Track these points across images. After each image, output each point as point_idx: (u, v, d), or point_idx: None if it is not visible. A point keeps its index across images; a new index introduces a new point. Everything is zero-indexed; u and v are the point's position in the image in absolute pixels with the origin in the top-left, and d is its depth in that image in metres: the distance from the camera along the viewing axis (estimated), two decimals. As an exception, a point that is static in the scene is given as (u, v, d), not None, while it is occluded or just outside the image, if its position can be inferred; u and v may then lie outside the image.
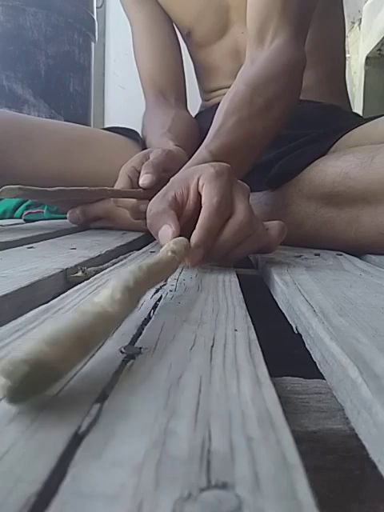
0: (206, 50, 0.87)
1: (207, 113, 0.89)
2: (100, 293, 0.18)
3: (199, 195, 0.41)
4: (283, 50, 0.62)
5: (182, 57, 0.90)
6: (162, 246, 0.36)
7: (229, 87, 0.84)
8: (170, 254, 0.30)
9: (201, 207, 0.40)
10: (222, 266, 0.42)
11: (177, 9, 0.86)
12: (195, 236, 0.38)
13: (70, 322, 0.15)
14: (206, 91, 0.93)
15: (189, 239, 0.37)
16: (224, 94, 0.86)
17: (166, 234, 0.38)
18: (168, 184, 0.45)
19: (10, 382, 0.12)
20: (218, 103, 0.85)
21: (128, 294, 0.18)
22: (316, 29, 0.69)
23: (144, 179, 0.58)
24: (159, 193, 0.44)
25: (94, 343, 0.16)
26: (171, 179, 0.46)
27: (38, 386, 0.13)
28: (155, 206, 0.42)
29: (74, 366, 0.14)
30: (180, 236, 0.37)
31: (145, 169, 0.60)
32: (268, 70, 0.61)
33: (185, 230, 0.39)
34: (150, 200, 0.60)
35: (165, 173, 0.61)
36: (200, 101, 0.97)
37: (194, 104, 0.96)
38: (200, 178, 0.41)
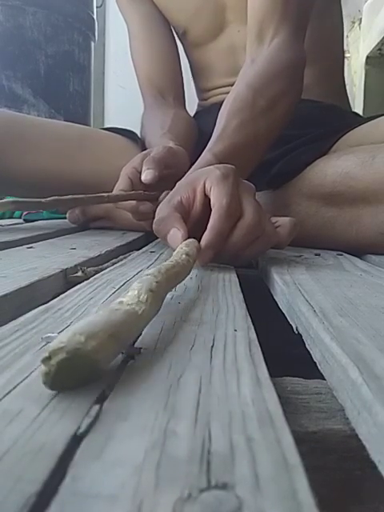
0: (202, 49, 0.87)
1: (205, 112, 0.89)
2: (126, 294, 0.19)
3: (206, 198, 0.41)
4: (283, 49, 0.62)
5: (179, 57, 0.90)
6: (173, 250, 0.36)
7: (225, 86, 0.85)
8: (184, 256, 0.30)
9: (208, 209, 0.40)
10: (224, 266, 0.42)
11: (173, 9, 0.86)
12: (206, 237, 0.38)
13: (102, 317, 0.15)
14: (202, 90, 0.93)
15: (198, 241, 0.37)
16: (221, 93, 0.86)
17: (176, 237, 0.38)
18: (174, 189, 0.45)
19: (48, 368, 0.13)
20: (216, 103, 0.85)
21: (152, 295, 0.19)
22: (313, 27, 0.69)
23: (146, 175, 0.58)
24: (166, 198, 0.44)
25: (127, 339, 0.16)
26: (177, 184, 0.46)
27: (76, 374, 0.13)
28: (161, 210, 0.42)
29: (109, 359, 0.15)
30: (189, 238, 0.37)
31: (146, 164, 0.59)
32: (269, 69, 0.61)
33: (193, 232, 0.39)
34: (149, 200, 0.60)
35: (166, 169, 0.61)
36: (198, 101, 0.97)
37: (193, 104, 0.96)
38: (206, 180, 0.41)
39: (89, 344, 0.13)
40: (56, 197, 0.60)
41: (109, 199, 0.61)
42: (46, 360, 0.13)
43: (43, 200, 0.59)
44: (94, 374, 0.14)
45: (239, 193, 0.41)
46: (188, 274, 0.31)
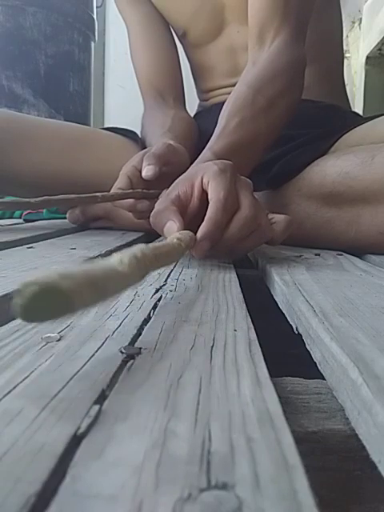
0: (202, 49, 0.87)
1: (205, 113, 0.89)
2: (109, 257, 0.19)
3: (204, 192, 0.42)
4: (284, 50, 0.62)
5: (178, 57, 0.90)
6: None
7: (225, 86, 0.85)
8: (175, 240, 0.31)
9: (205, 204, 0.41)
10: (224, 262, 0.43)
11: (172, 10, 0.86)
12: (203, 228, 0.38)
13: (80, 267, 0.15)
14: (202, 91, 0.93)
15: (195, 234, 0.38)
16: (221, 94, 0.86)
17: (172, 229, 0.39)
18: (172, 185, 0.46)
19: (21, 299, 0.13)
20: (216, 103, 0.85)
21: (135, 261, 0.19)
22: (313, 27, 0.69)
23: (147, 171, 0.58)
24: (164, 193, 0.44)
25: (104, 289, 0.16)
26: (176, 180, 0.46)
27: (49, 309, 0.13)
28: (159, 204, 0.43)
29: (84, 305, 0.14)
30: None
31: (147, 160, 0.59)
32: (269, 70, 0.61)
33: (190, 226, 0.39)
34: (147, 199, 0.60)
35: (166, 166, 0.61)
36: (198, 101, 0.97)
37: (193, 104, 0.96)
38: (204, 175, 0.42)
39: (63, 282, 0.13)
40: (46, 197, 0.59)
41: (102, 199, 0.61)
42: (18, 292, 0.13)
43: (32, 200, 0.58)
44: (67, 313, 0.14)
45: (236, 187, 0.41)
46: (179, 257, 0.31)
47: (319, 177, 0.62)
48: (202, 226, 0.39)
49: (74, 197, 0.61)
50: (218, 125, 0.58)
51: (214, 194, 0.40)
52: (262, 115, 0.58)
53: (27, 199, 0.58)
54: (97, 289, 0.15)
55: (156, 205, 0.43)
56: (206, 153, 0.53)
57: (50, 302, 0.13)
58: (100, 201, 0.61)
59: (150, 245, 0.24)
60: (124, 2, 0.89)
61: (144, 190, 0.61)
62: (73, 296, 0.13)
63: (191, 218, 0.42)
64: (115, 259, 0.18)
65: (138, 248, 0.21)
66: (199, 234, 0.38)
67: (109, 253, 0.50)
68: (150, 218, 0.43)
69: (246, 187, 0.42)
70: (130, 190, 0.60)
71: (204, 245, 0.38)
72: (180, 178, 0.47)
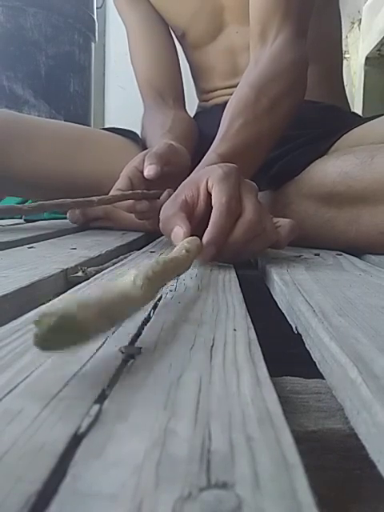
0: (201, 50, 0.87)
1: (205, 114, 0.89)
2: (123, 278, 0.20)
3: (209, 196, 0.42)
4: (286, 49, 0.62)
5: (178, 58, 0.90)
6: (175, 246, 0.37)
7: (226, 87, 0.85)
8: (184, 252, 0.31)
9: (211, 207, 0.41)
10: (224, 265, 0.43)
11: (171, 10, 0.86)
12: (207, 234, 0.39)
13: (95, 295, 0.16)
14: (202, 92, 0.93)
15: (201, 238, 0.38)
16: (222, 95, 0.86)
17: (178, 234, 0.39)
18: (179, 188, 0.46)
19: (39, 330, 0.13)
20: (217, 104, 0.86)
21: (148, 282, 0.20)
22: (312, 27, 0.69)
23: (149, 170, 0.59)
24: (171, 197, 0.45)
25: (117, 318, 0.17)
26: (182, 183, 0.47)
27: (65, 339, 0.14)
28: (167, 209, 0.43)
29: (98, 332, 0.15)
30: (192, 235, 0.38)
31: (148, 159, 0.60)
32: (271, 69, 0.61)
33: (197, 230, 0.40)
34: (146, 199, 0.60)
35: (167, 166, 0.61)
36: (197, 101, 0.97)
37: (193, 104, 0.96)
38: (209, 179, 0.42)
39: (79, 314, 0.14)
40: (40, 202, 0.58)
41: (99, 202, 0.60)
42: (37, 322, 0.13)
43: (25, 206, 0.58)
44: (82, 342, 0.14)
45: (240, 191, 0.42)
46: (187, 269, 0.32)
47: (319, 177, 0.62)
48: (206, 232, 0.39)
49: (69, 201, 0.60)
50: (221, 126, 0.58)
51: (217, 199, 0.40)
52: (265, 116, 0.58)
53: (19, 206, 0.58)
54: (111, 317, 0.16)
55: (163, 209, 0.44)
56: (210, 155, 0.53)
57: (66, 333, 0.13)
58: (96, 204, 0.61)
59: (160, 260, 0.25)
60: (123, 3, 0.89)
61: (144, 191, 0.60)
62: (88, 327, 0.14)
63: (198, 220, 0.42)
64: (128, 281, 0.19)
65: (150, 266, 0.22)
66: (204, 239, 0.38)
67: (109, 253, 0.50)
68: (160, 223, 0.43)
69: (250, 191, 0.43)
70: (129, 192, 0.60)
71: (210, 250, 0.39)
72: (185, 181, 0.47)
